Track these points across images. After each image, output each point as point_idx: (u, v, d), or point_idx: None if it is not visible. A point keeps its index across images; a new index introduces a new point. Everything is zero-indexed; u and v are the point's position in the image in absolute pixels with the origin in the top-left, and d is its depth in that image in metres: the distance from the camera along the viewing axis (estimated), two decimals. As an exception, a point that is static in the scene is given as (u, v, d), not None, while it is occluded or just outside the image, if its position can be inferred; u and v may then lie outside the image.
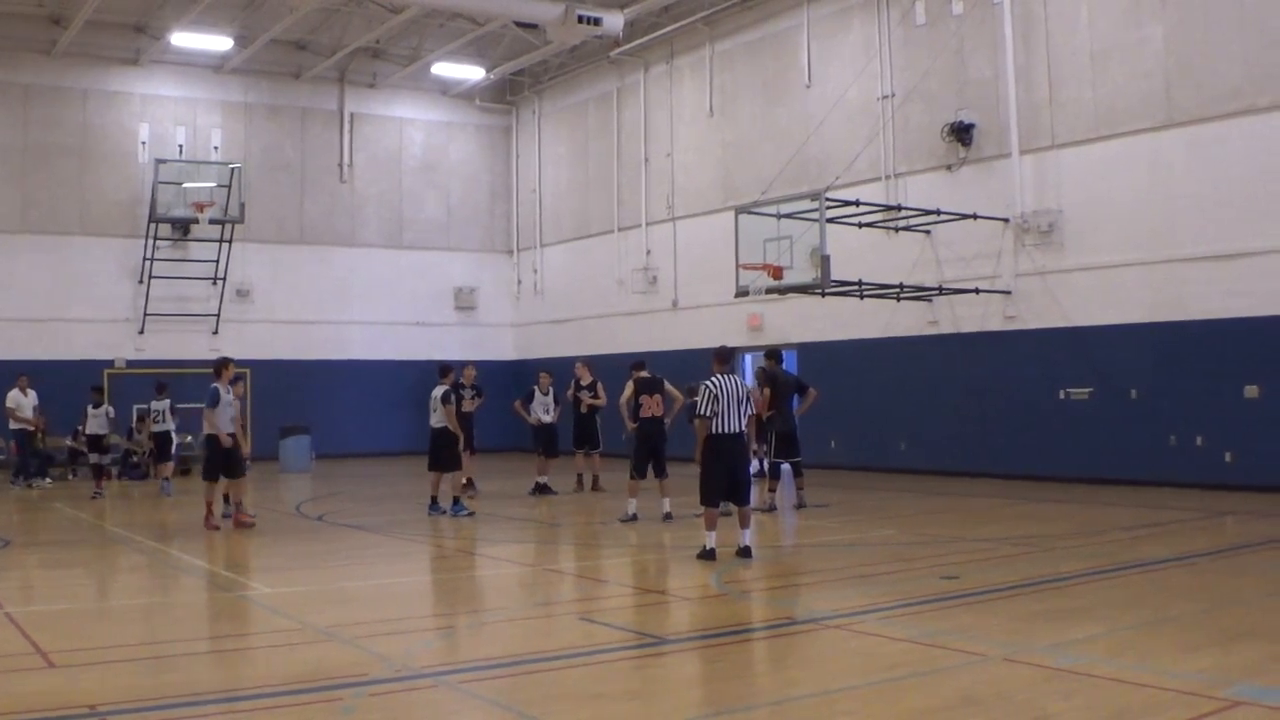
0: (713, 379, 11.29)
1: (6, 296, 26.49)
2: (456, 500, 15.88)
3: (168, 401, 20.94)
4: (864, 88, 22.82)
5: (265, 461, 24.80)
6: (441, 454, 15.99)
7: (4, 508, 18.30)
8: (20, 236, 26.94)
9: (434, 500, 16.13)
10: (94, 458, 20.49)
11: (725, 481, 11.30)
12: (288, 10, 25.13)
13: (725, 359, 11.77)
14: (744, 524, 11.43)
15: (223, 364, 15.05)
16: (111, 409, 21.24)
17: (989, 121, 20.74)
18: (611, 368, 20.90)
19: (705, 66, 26.83)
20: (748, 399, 11.46)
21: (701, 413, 11.23)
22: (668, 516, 14.69)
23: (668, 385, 15.79)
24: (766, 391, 15.53)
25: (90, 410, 20.71)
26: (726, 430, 11.18)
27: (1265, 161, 17.01)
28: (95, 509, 17.88)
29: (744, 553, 11.20)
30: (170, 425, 20.90)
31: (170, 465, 21.11)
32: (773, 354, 16.38)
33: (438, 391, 16.05)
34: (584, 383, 18.55)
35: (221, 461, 14.71)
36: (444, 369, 16.56)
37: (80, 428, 24.01)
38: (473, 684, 6.75)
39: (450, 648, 8.04)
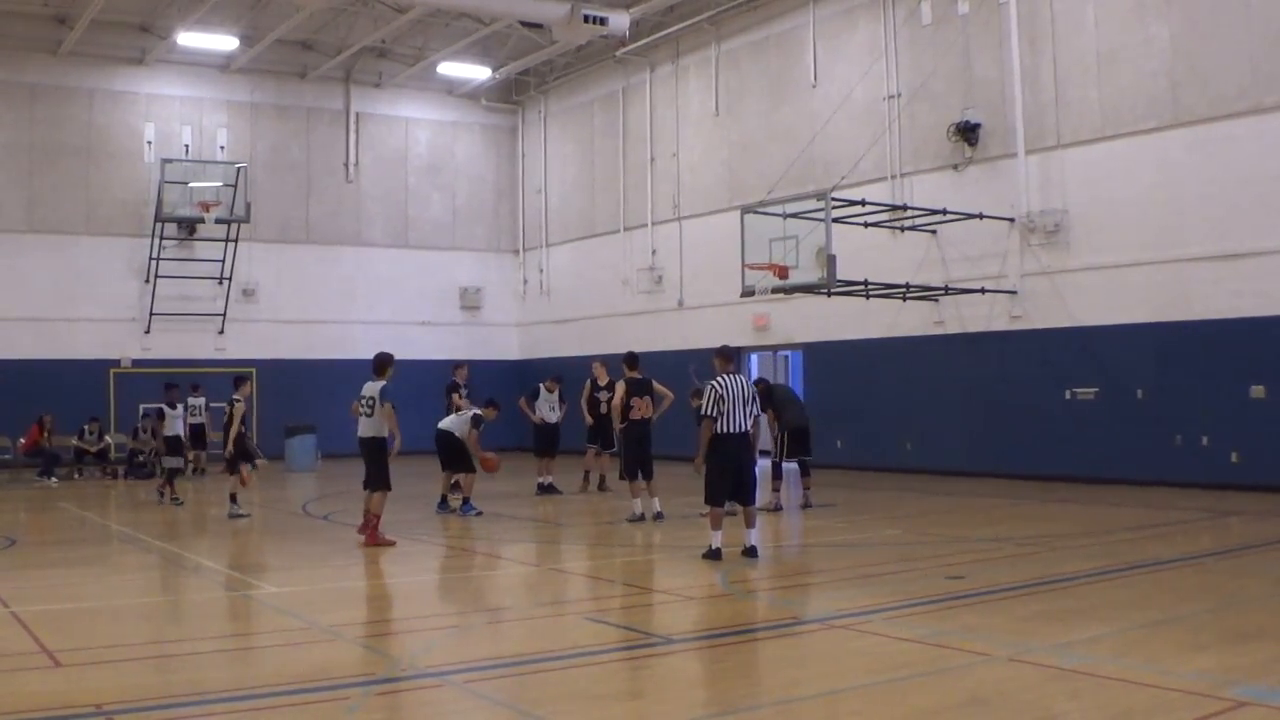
0: (717, 379, 11.27)
1: (12, 296, 26.53)
2: (466, 500, 15.89)
3: (203, 399, 22.17)
4: (870, 87, 22.81)
5: (271, 461, 24.80)
6: (451, 456, 16.09)
7: (11, 507, 18.34)
8: (26, 236, 26.99)
9: (443, 499, 16.21)
10: (172, 461, 18.43)
11: (730, 481, 11.31)
12: (294, 10, 25.15)
13: (729, 358, 11.69)
14: (749, 524, 11.45)
15: (389, 360, 13.34)
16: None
17: (995, 121, 20.72)
18: (618, 368, 20.87)
19: (711, 66, 26.83)
20: (753, 398, 11.43)
21: (706, 413, 11.22)
22: (659, 516, 14.73)
23: (656, 385, 15.76)
24: (769, 414, 15.47)
25: (169, 411, 18.87)
26: (731, 430, 11.16)
27: (1272, 161, 16.98)
28: (107, 509, 17.89)
29: (750, 553, 11.20)
30: (204, 419, 22.11)
31: (203, 455, 22.31)
32: (759, 380, 16.34)
33: (469, 414, 16.33)
34: (601, 383, 18.42)
35: (388, 468, 13.21)
36: (491, 401, 16.92)
37: (84, 427, 24.15)
38: (478, 683, 6.75)
39: (456, 647, 8.04)
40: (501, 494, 18.61)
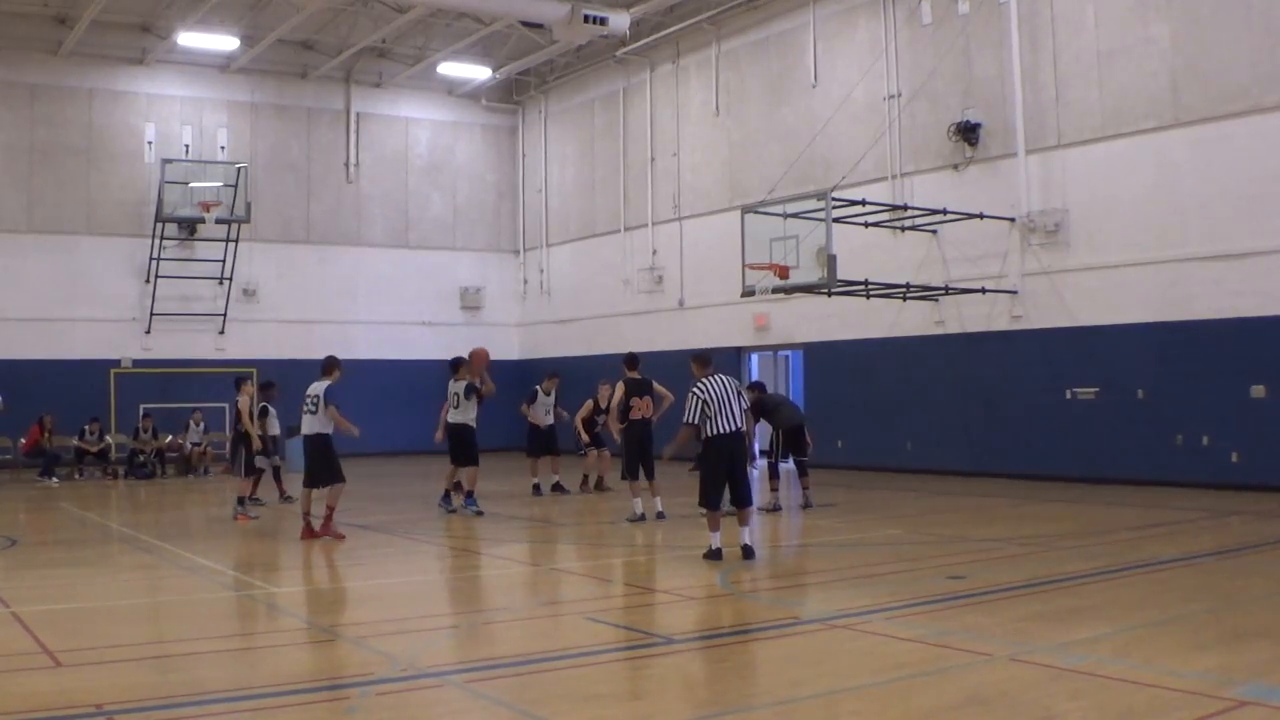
0: (699, 385, 11.12)
1: (13, 296, 26.52)
2: (469, 495, 15.85)
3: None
4: (870, 87, 22.80)
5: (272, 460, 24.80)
6: (457, 449, 15.97)
7: (12, 507, 18.34)
8: (26, 236, 26.98)
9: (446, 494, 16.15)
10: (273, 460, 18.07)
11: (725, 481, 11.23)
12: (294, 10, 25.15)
13: (706, 362, 11.61)
14: (744, 523, 11.39)
15: (335, 363, 14.17)
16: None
17: (995, 121, 20.71)
18: (619, 368, 20.85)
19: (711, 66, 26.82)
20: (739, 395, 11.24)
21: (688, 420, 11.10)
22: (660, 515, 14.75)
23: (656, 386, 15.73)
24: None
25: (271, 409, 18.18)
26: (723, 430, 11.04)
27: (1272, 161, 16.97)
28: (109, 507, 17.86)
29: (746, 552, 11.16)
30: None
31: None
32: (753, 384, 16.60)
33: (459, 386, 15.96)
34: (603, 406, 17.95)
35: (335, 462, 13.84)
36: (456, 363, 16.38)
37: (85, 427, 24.13)
38: (479, 683, 6.75)
39: (456, 647, 8.04)
40: (502, 494, 18.60)
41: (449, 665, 7.29)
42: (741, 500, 11.33)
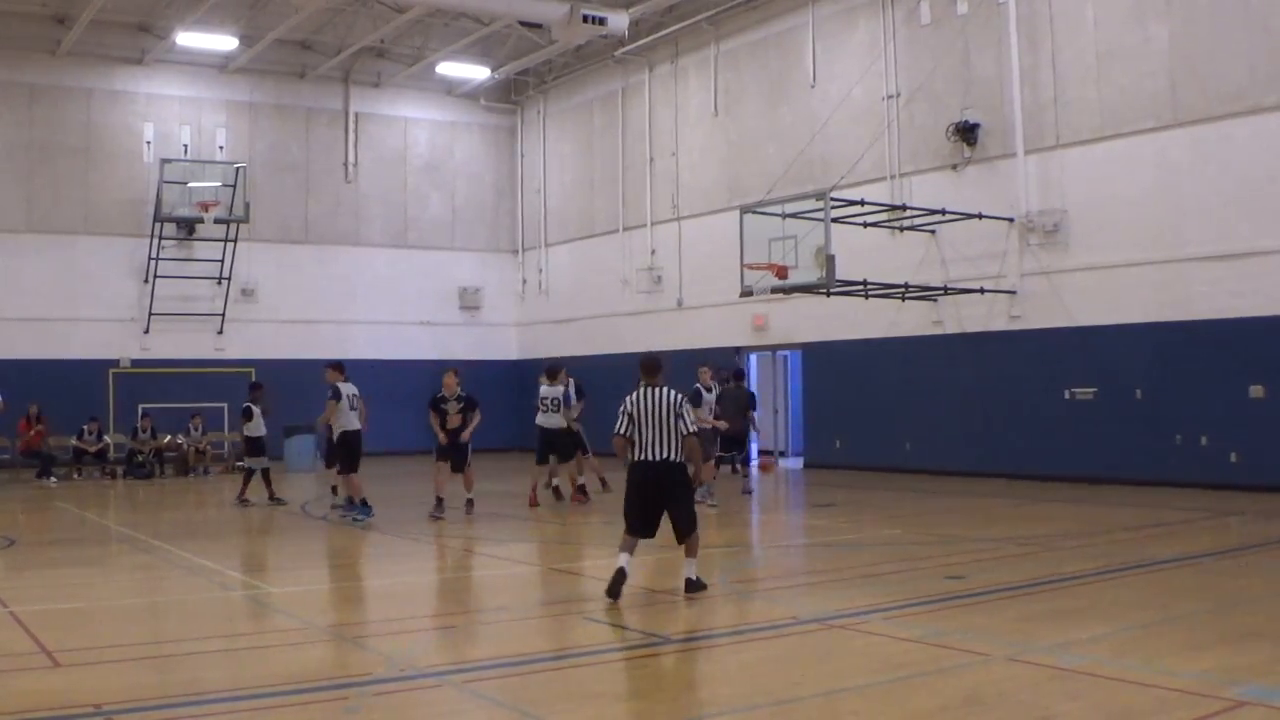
0: (631, 394, 9.34)
1: (11, 296, 26.51)
2: (350, 502, 15.48)
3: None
4: (869, 87, 22.81)
5: (271, 460, 24.76)
6: (350, 456, 15.65)
7: (10, 507, 18.32)
8: (25, 236, 26.97)
9: (350, 501, 15.73)
10: (262, 462, 18.05)
11: (639, 513, 9.34)
12: (293, 10, 25.14)
13: (646, 370, 9.45)
14: (688, 554, 9.43)
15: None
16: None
17: (994, 121, 20.71)
18: (617, 367, 20.88)
19: (710, 66, 26.82)
20: (679, 415, 9.17)
21: (616, 430, 9.33)
22: None
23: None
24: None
25: (255, 410, 18.11)
26: (643, 457, 9.20)
27: (1271, 161, 16.98)
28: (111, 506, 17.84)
29: (688, 586, 9.38)
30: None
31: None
32: (737, 374, 18.18)
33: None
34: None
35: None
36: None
37: (84, 427, 24.13)
38: (477, 683, 6.75)
39: (455, 647, 8.04)
40: (502, 494, 18.60)
41: (449, 665, 7.29)
42: (678, 533, 9.36)
